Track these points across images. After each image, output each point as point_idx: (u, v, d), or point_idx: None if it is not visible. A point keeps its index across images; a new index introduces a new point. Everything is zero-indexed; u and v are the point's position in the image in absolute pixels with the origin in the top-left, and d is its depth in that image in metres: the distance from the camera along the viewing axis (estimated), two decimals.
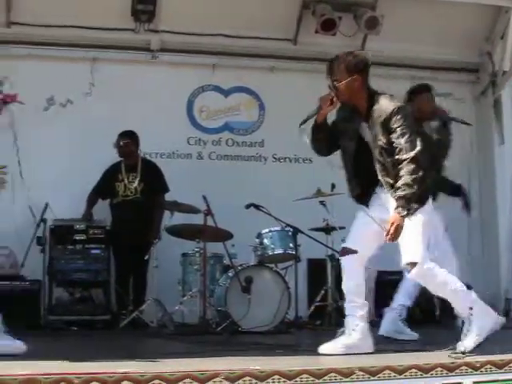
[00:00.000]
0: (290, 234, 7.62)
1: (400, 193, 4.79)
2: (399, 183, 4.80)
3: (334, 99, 5.01)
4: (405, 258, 4.86)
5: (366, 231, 5.12)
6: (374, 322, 6.14)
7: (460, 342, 4.66)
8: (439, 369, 4.10)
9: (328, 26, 9.12)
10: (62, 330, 7.50)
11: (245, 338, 6.55)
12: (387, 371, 4.03)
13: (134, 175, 8.37)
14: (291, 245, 7.59)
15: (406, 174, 4.80)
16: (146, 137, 8.58)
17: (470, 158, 10.00)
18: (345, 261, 5.23)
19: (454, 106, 10.01)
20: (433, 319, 8.00)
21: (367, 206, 5.09)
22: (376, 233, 4.99)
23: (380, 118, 4.91)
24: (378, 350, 5.01)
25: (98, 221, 8.25)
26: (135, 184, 8.32)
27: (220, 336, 6.88)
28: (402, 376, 4.04)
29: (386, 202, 4.96)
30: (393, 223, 4.76)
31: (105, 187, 8.43)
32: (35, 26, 8.72)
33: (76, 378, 3.61)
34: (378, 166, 4.94)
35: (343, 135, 5.13)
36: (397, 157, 4.84)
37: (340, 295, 7.83)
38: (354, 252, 5.15)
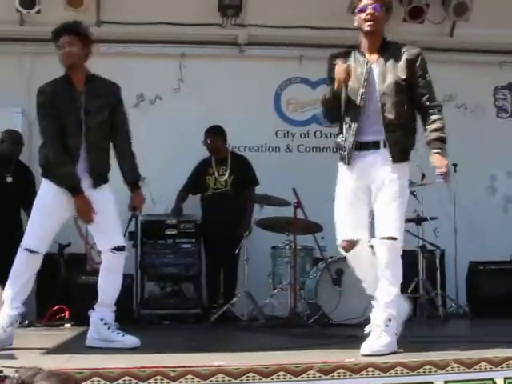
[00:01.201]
0: None
1: (441, 134, 4.78)
2: (437, 125, 4.79)
3: (350, 69, 4.82)
4: (388, 231, 4.76)
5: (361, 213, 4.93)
6: None
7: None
8: None
9: (416, 14, 9.01)
10: (154, 323, 7.62)
11: (336, 331, 6.52)
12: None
13: (224, 168, 8.42)
14: None
15: (439, 119, 4.82)
16: (234, 131, 8.65)
17: None
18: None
19: None
20: None
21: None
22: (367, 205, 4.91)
23: (404, 55, 4.90)
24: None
25: (188, 215, 8.33)
26: (225, 177, 8.38)
27: (311, 329, 6.87)
28: None
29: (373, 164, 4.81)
30: (444, 163, 4.74)
31: (196, 182, 8.51)
32: (123, 24, 8.85)
33: (171, 371, 3.66)
34: (383, 105, 4.80)
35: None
36: (427, 103, 4.86)
37: (433, 286, 7.79)
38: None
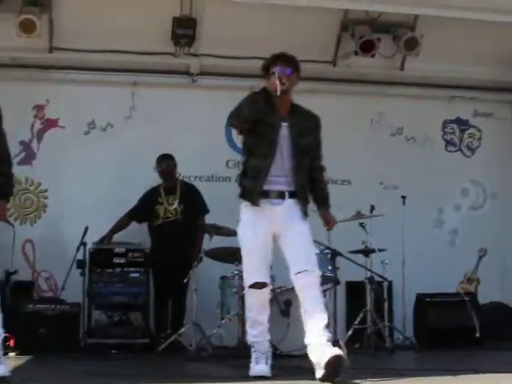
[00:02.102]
0: (329, 256, 7.57)
1: (327, 193, 5.54)
2: (325, 186, 5.55)
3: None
4: (302, 266, 5.06)
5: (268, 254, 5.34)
6: None
7: None
8: None
9: (367, 48, 9.12)
10: (101, 352, 7.53)
11: (284, 362, 6.49)
12: None
13: (174, 197, 8.40)
14: (330, 267, 7.54)
15: (324, 180, 5.58)
16: (185, 160, 8.66)
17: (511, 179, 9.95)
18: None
19: (494, 125, 10.01)
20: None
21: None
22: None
23: (309, 121, 5.41)
24: None
25: (137, 244, 8.27)
26: (175, 205, 8.35)
27: None
28: None
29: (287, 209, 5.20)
30: (332, 218, 5.52)
31: (144, 211, 8.47)
32: (76, 51, 8.82)
33: None
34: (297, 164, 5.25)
35: (265, 125, 5.23)
36: (320, 164, 5.50)
37: (380, 317, 7.84)
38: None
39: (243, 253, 5.33)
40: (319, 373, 4.87)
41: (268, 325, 5.39)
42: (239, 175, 5.41)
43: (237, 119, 5.35)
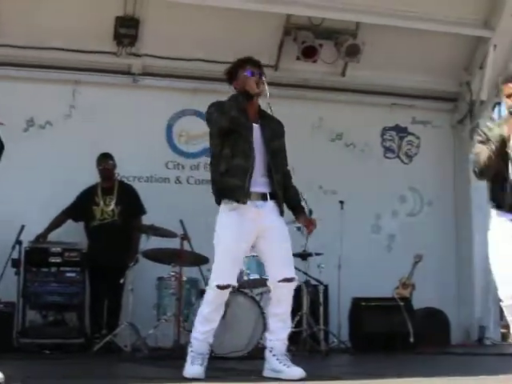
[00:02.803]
0: None
1: (300, 198, 5.55)
2: (296, 191, 5.54)
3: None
4: (288, 272, 5.26)
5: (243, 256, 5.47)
6: None
7: None
8: None
9: (309, 53, 9.19)
10: (34, 353, 7.42)
11: (219, 364, 6.47)
12: None
13: (111, 198, 8.35)
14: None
15: (294, 185, 5.58)
16: (124, 160, 8.62)
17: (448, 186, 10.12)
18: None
19: (432, 133, 10.17)
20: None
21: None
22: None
23: (277, 126, 5.44)
24: None
25: (73, 243, 8.18)
26: (112, 206, 8.30)
27: None
28: None
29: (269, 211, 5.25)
30: (312, 221, 5.58)
31: (80, 210, 8.40)
32: (17, 48, 8.71)
33: None
34: (273, 164, 5.30)
35: (241, 125, 5.27)
36: (288, 170, 5.53)
37: (315, 321, 7.89)
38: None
39: (218, 251, 5.26)
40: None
41: (217, 326, 5.37)
42: (218, 175, 5.31)
43: (217, 129, 5.33)
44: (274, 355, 5.28)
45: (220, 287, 5.19)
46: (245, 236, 5.20)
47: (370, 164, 9.85)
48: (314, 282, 7.99)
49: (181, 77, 9.32)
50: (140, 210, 8.38)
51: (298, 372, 5.07)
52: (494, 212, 4.92)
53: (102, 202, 8.33)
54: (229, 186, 5.19)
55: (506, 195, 4.80)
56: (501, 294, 4.80)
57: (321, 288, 8.02)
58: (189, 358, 5.23)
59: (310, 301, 7.91)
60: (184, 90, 9.34)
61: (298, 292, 7.88)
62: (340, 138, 9.85)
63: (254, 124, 5.29)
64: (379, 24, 9.01)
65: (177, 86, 9.33)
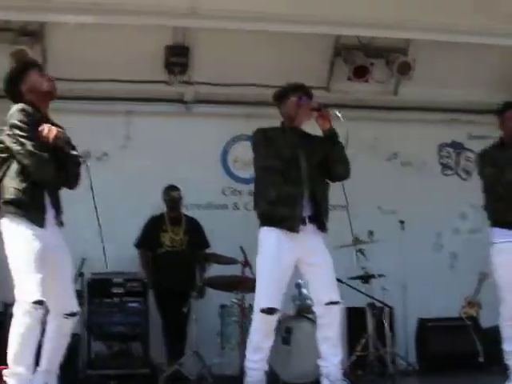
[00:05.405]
0: None
1: None
2: None
3: None
4: (334, 296, 5.29)
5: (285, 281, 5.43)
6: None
7: None
8: None
9: (360, 73, 9.13)
10: None
11: None
12: None
13: (179, 228, 8.43)
14: None
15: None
16: (181, 189, 8.62)
17: None
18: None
19: None
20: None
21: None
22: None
23: (318, 143, 5.60)
24: None
25: (135, 273, 8.22)
26: (180, 235, 8.40)
27: None
28: None
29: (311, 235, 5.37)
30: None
31: (150, 238, 8.46)
32: (69, 81, 8.78)
33: None
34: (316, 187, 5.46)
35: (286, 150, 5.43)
36: None
37: (382, 344, 7.77)
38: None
39: (261, 277, 5.31)
40: None
41: (269, 353, 5.33)
42: (266, 203, 5.35)
43: (279, 161, 5.40)
44: (330, 381, 5.20)
45: (264, 311, 5.18)
46: (284, 259, 5.23)
47: (428, 182, 9.72)
48: (378, 304, 7.88)
49: (233, 103, 9.33)
50: (206, 243, 8.46)
51: None
52: None
53: (170, 230, 8.39)
54: (276, 214, 5.22)
55: None
56: None
57: (386, 310, 7.92)
58: None
59: (375, 323, 7.81)
60: (237, 116, 9.33)
61: (362, 315, 7.85)
62: (396, 156, 9.76)
63: (299, 149, 5.35)
64: (429, 40, 8.91)
65: (230, 112, 9.34)
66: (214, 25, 8.23)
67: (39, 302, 4.58)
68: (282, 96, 5.57)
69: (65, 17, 7.95)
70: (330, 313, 5.24)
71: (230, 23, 8.13)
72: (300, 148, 5.43)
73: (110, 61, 8.68)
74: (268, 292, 5.27)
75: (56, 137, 4.82)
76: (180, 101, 9.37)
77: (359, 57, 9.14)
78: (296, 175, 5.31)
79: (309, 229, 5.32)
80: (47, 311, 4.83)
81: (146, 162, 8.93)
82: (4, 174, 4.84)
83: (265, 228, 5.36)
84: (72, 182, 5.11)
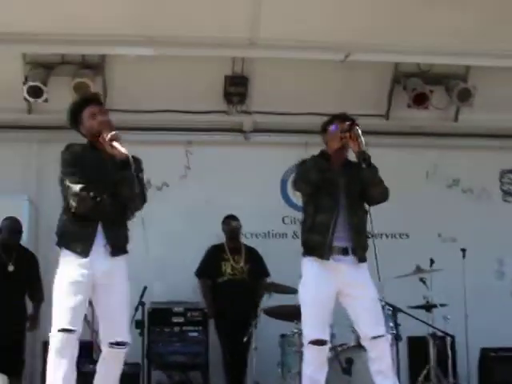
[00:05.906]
0: (390, 312, 7.44)
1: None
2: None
3: None
4: (379, 329, 5.25)
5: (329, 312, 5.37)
6: None
7: None
8: None
9: (420, 100, 9.07)
10: None
11: None
12: None
13: (239, 257, 8.48)
14: (391, 324, 7.40)
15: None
16: (241, 217, 8.65)
17: None
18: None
19: None
20: None
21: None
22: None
23: (353, 166, 5.50)
24: None
25: (195, 303, 8.26)
26: (241, 264, 8.44)
27: None
28: None
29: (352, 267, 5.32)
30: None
31: (211, 267, 8.49)
32: (130, 112, 8.92)
33: None
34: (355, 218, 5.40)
35: (327, 182, 5.41)
36: None
37: (444, 374, 7.66)
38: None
39: (304, 308, 5.33)
40: None
41: None
42: (304, 231, 5.40)
43: (305, 185, 5.47)
44: None
45: (313, 342, 5.18)
46: (325, 291, 5.21)
47: (489, 208, 9.61)
48: (440, 334, 7.78)
49: (292, 131, 9.37)
50: (266, 272, 8.47)
51: None
52: None
53: (231, 259, 8.43)
54: (310, 243, 5.25)
55: None
56: None
57: (448, 339, 7.81)
58: None
59: (437, 353, 7.70)
60: (295, 145, 9.30)
61: (424, 345, 7.75)
62: (457, 183, 9.67)
63: (338, 178, 5.35)
64: (489, 66, 8.84)
65: (288, 140, 9.36)
66: (273, 54, 8.33)
67: (64, 330, 4.61)
68: (323, 129, 5.64)
69: (126, 49, 8.10)
70: (377, 347, 5.23)
71: (288, 52, 8.22)
72: (339, 176, 5.42)
73: (170, 91, 8.80)
74: (313, 324, 5.28)
75: (111, 139, 4.93)
76: (239, 130, 9.46)
77: (418, 84, 9.09)
78: (331, 203, 5.31)
79: (349, 260, 5.30)
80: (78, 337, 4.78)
81: (205, 191, 9.02)
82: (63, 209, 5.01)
83: (305, 258, 5.42)
84: (137, 202, 5.11)
